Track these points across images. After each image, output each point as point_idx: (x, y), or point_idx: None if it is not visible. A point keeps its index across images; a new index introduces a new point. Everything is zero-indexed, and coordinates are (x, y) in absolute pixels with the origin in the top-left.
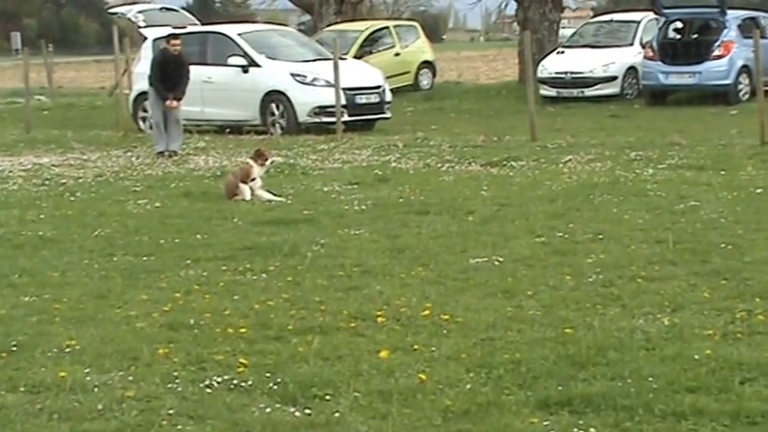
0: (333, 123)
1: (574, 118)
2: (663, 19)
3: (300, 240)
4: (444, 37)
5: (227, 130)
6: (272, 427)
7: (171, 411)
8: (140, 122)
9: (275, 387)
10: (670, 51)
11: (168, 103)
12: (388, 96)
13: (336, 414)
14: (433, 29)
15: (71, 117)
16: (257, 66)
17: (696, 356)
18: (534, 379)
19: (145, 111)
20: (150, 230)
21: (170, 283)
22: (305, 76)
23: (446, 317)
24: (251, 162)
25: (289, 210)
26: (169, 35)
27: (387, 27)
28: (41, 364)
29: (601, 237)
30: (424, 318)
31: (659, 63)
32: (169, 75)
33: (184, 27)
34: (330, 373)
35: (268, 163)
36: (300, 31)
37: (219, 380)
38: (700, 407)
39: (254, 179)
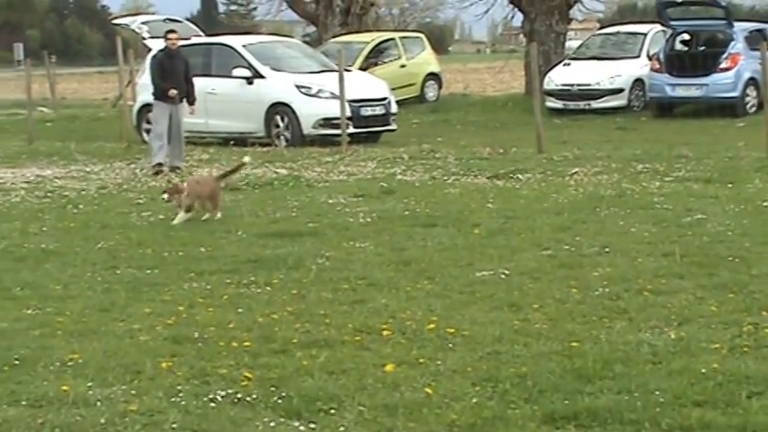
0: (338, 135)
1: (580, 130)
2: (670, 31)
3: (305, 253)
4: (450, 48)
5: (232, 143)
6: None
7: (174, 425)
8: (144, 134)
9: (280, 401)
10: (677, 63)
11: (171, 93)
12: (394, 108)
13: (341, 428)
14: (439, 40)
15: (74, 129)
16: (262, 77)
17: (703, 370)
18: (540, 393)
19: (149, 122)
20: (154, 243)
21: (174, 296)
22: (310, 88)
23: (452, 330)
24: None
25: (293, 222)
26: (166, 31)
27: (392, 38)
28: (44, 378)
29: (607, 250)
30: (430, 331)
31: (666, 75)
32: (169, 72)
33: (189, 38)
34: (335, 386)
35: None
36: (305, 42)
37: (223, 394)
38: (707, 421)
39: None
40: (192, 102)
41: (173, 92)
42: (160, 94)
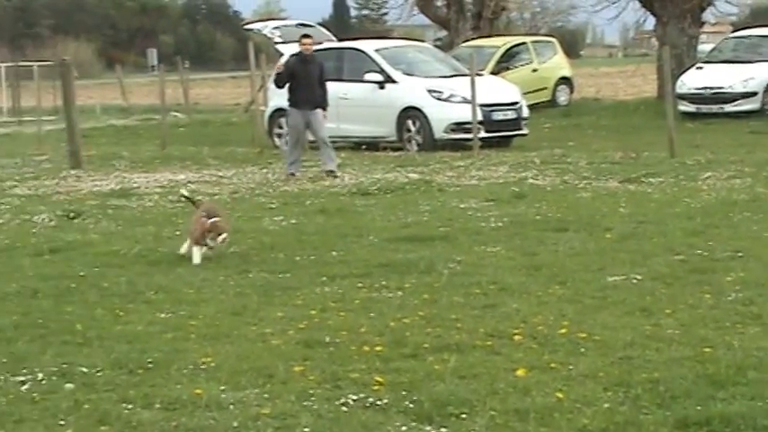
0: (469, 140)
1: (713, 134)
2: None
3: (436, 258)
4: (582, 53)
5: (363, 147)
6: None
7: (306, 429)
8: (276, 139)
9: (411, 405)
10: None
11: (278, 66)
12: (525, 112)
13: None
14: (571, 44)
15: (207, 133)
16: (393, 82)
17: None
18: (673, 398)
19: (280, 127)
20: (286, 247)
21: (305, 301)
22: (441, 93)
23: (583, 335)
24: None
25: (425, 227)
26: (301, 35)
27: (524, 43)
28: (177, 381)
29: (740, 255)
30: (561, 336)
31: None
32: (302, 77)
33: (321, 43)
34: (466, 391)
35: (219, 239)
36: (437, 46)
37: (355, 398)
38: None
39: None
40: (324, 107)
41: (279, 64)
42: (294, 101)
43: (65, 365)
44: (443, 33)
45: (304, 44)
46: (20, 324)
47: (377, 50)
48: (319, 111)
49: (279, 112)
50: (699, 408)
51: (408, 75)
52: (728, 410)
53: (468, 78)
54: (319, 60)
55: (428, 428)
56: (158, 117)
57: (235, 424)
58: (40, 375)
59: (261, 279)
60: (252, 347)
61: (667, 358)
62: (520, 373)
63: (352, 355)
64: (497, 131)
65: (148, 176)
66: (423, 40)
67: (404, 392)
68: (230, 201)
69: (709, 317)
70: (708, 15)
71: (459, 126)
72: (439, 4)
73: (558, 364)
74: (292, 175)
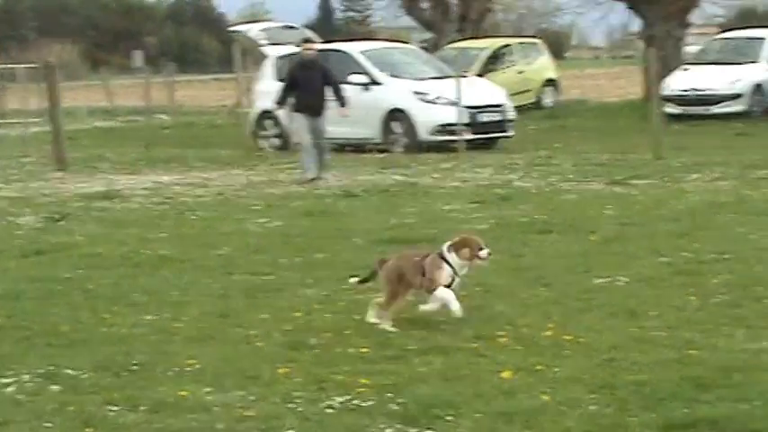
0: (455, 142)
1: (699, 136)
2: None
3: None
4: (567, 54)
5: (349, 149)
6: None
7: (291, 431)
8: (261, 141)
9: (396, 408)
10: None
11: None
12: (511, 114)
13: None
14: (557, 46)
15: (191, 135)
16: (379, 84)
17: None
18: (658, 401)
19: (265, 129)
20: (271, 249)
21: (291, 303)
22: (427, 94)
23: (568, 337)
24: (447, 255)
25: (410, 229)
26: (303, 39)
27: (509, 44)
28: (162, 383)
29: (726, 257)
30: (547, 338)
31: None
32: (302, 83)
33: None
34: (451, 393)
35: (483, 254)
36: (422, 48)
37: (340, 400)
38: None
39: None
40: (341, 103)
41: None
42: (297, 107)
43: (50, 368)
44: (429, 35)
45: (304, 48)
46: (4, 326)
47: (362, 52)
48: (324, 116)
49: (264, 114)
50: (685, 410)
51: (394, 76)
52: (714, 413)
53: (454, 80)
54: (321, 64)
55: (413, 431)
56: (143, 119)
57: (220, 426)
58: (26, 377)
59: (245, 281)
60: (237, 350)
61: (653, 360)
62: (505, 375)
63: (338, 358)
64: (483, 133)
65: (133, 178)
66: (408, 42)
67: (389, 395)
68: (215, 203)
69: (694, 319)
70: (694, 17)
71: (445, 128)
72: (424, 5)
73: (543, 367)
74: (313, 180)
